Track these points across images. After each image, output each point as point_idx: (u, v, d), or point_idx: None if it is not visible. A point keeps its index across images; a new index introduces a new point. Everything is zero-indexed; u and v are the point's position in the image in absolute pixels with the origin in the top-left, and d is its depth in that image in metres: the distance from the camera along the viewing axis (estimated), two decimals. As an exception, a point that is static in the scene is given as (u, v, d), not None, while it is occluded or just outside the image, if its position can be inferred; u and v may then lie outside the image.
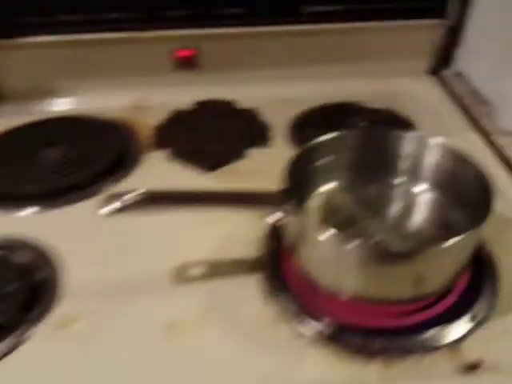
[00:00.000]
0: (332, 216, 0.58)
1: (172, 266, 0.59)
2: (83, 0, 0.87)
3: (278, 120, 0.88)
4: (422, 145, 0.59)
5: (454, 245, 0.46)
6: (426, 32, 0.98)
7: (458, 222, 0.56)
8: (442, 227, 0.57)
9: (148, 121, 0.90)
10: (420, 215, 0.59)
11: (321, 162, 0.60)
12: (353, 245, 0.45)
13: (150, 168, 0.78)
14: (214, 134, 0.84)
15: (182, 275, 0.59)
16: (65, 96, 0.96)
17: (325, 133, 0.82)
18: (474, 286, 0.55)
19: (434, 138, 0.58)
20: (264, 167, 0.77)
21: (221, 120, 0.89)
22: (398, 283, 0.49)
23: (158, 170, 0.78)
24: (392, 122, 0.87)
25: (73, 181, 0.74)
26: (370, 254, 0.46)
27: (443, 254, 0.47)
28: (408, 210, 0.60)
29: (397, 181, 0.62)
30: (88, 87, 0.96)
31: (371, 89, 0.97)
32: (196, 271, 0.59)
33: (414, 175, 0.61)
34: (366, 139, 0.60)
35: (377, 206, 0.60)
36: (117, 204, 0.49)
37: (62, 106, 0.95)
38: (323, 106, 0.92)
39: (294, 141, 0.83)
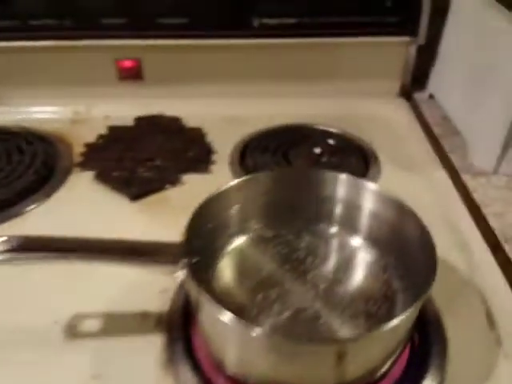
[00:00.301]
0: (245, 278, 0.50)
1: (63, 318, 0.51)
2: (16, 5, 0.79)
3: (224, 142, 0.80)
4: (357, 190, 0.50)
5: (389, 329, 0.37)
6: (396, 50, 0.89)
7: (398, 290, 0.48)
8: (379, 296, 0.48)
9: (84, 136, 0.81)
10: (354, 278, 0.50)
11: (232, 212, 0.51)
12: (258, 332, 0.37)
13: (74, 191, 0.70)
14: (149, 155, 0.76)
15: (72, 330, 0.50)
16: (3, 104, 0.88)
17: (272, 161, 0.76)
18: (416, 360, 0.47)
19: (371, 184, 0.50)
20: (199, 198, 0.69)
21: (161, 139, 0.80)
22: (316, 372, 0.40)
23: (81, 194, 0.69)
24: (347, 150, 0.79)
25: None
26: (279, 343, 0.38)
27: (376, 340, 0.39)
28: (339, 269, 0.51)
29: (327, 231, 0.54)
30: (25, 97, 0.87)
31: (333, 110, 0.88)
32: (89, 325, 0.50)
33: (348, 226, 0.52)
34: (289, 182, 0.52)
35: (301, 264, 0.51)
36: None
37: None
38: (274, 128, 0.83)
39: (237, 168, 0.75)
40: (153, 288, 0.54)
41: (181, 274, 0.43)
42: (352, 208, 0.51)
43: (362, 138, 0.82)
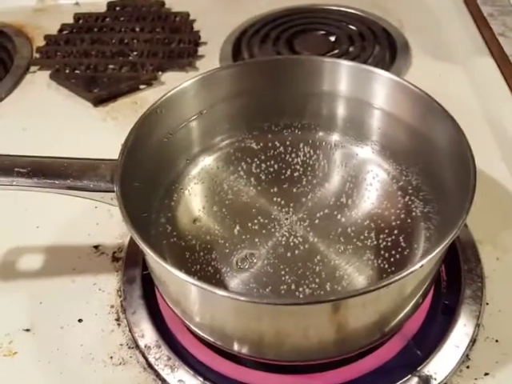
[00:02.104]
0: (218, 207, 0.37)
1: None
2: None
3: (215, 30, 0.65)
4: (366, 83, 0.35)
5: (405, 277, 0.26)
6: None
7: (421, 217, 0.35)
8: (395, 225, 0.35)
9: (47, 27, 0.67)
10: (362, 202, 0.37)
11: (193, 122, 0.38)
12: (217, 293, 0.26)
13: (28, 94, 0.58)
14: (119, 49, 0.61)
15: (8, 267, 0.40)
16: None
17: (272, 52, 0.61)
18: (443, 305, 0.36)
19: (384, 72, 0.35)
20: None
21: (138, 28, 0.65)
22: (302, 333, 0.29)
23: (36, 98, 0.57)
24: (370, 36, 0.62)
25: None
26: (248, 308, 0.27)
27: (385, 294, 0.27)
28: (343, 190, 0.38)
29: (327, 140, 0.40)
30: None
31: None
32: (29, 262, 0.40)
33: (355, 132, 0.38)
34: (272, 76, 0.37)
35: (293, 185, 0.38)
36: None
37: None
38: (278, 11, 0.67)
39: (230, 62, 0.60)
40: (112, 215, 0.43)
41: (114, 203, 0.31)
42: (362, 108, 0.37)
43: (390, 21, 0.65)
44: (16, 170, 0.31)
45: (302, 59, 0.38)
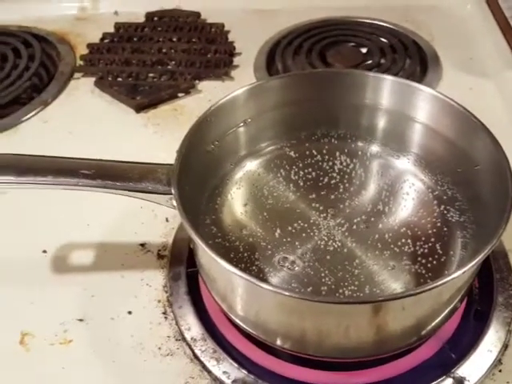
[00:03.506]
0: (260, 210, 0.40)
1: (52, 247, 0.44)
2: None
3: (250, 41, 0.67)
4: (408, 97, 0.38)
5: (442, 285, 0.28)
6: None
7: (456, 226, 0.37)
8: (431, 233, 0.37)
9: (89, 36, 0.71)
10: (399, 210, 0.39)
11: (241, 128, 0.40)
12: (263, 286, 0.28)
13: (72, 100, 0.61)
14: (161, 58, 0.64)
15: (61, 261, 0.43)
16: (3, 1, 0.77)
17: (305, 64, 0.63)
18: (476, 311, 0.38)
19: (427, 88, 0.37)
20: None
21: (175, 38, 0.68)
22: (344, 331, 0.31)
23: (80, 104, 0.60)
24: (401, 49, 0.64)
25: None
26: (293, 303, 0.29)
27: (422, 299, 0.29)
28: (381, 198, 0.40)
29: (366, 150, 0.42)
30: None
31: (386, 0, 0.72)
32: (81, 257, 0.43)
33: (394, 144, 0.40)
34: (316, 87, 0.40)
35: (332, 192, 0.40)
36: None
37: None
38: (310, 23, 0.69)
39: (263, 73, 0.62)
40: (156, 216, 0.46)
41: (172, 205, 0.34)
42: (400, 120, 0.39)
43: (420, 34, 0.67)
44: (81, 171, 0.33)
45: (346, 72, 0.40)
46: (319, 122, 0.43)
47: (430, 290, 0.28)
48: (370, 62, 0.62)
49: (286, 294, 0.29)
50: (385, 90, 0.38)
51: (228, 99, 0.39)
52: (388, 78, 0.38)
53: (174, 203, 0.33)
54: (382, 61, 0.63)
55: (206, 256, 0.32)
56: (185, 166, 0.35)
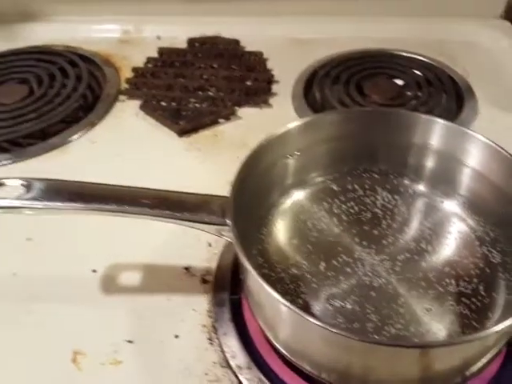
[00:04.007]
0: (304, 241, 0.41)
1: (102, 267, 0.45)
2: None
3: (288, 70, 0.69)
4: (460, 142, 0.39)
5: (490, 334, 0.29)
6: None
7: (500, 267, 0.38)
8: (474, 273, 0.38)
9: (133, 58, 0.74)
10: (442, 249, 0.40)
11: (290, 160, 0.42)
12: (313, 322, 0.29)
13: (118, 122, 0.63)
14: (202, 84, 0.67)
15: (110, 281, 0.45)
16: (50, 21, 0.81)
17: (343, 94, 0.64)
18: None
19: (480, 136, 0.38)
20: (255, 134, 0.59)
21: (216, 65, 0.70)
22: (389, 370, 0.32)
23: (126, 126, 0.62)
24: (436, 82, 0.65)
25: (28, 130, 0.60)
26: (342, 340, 0.30)
27: (469, 345, 0.30)
28: (424, 236, 0.41)
29: (412, 189, 0.43)
30: (72, 13, 0.80)
31: (420, 33, 0.74)
32: (128, 278, 0.45)
33: (441, 185, 0.42)
34: (364, 124, 0.41)
35: (375, 227, 0.42)
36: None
37: (45, 32, 0.79)
38: (348, 54, 0.71)
39: (301, 101, 0.64)
40: (200, 240, 0.47)
41: (226, 236, 0.35)
42: (447, 162, 0.41)
43: (456, 69, 0.68)
44: (142, 201, 0.35)
45: (397, 112, 0.42)
46: (363, 157, 0.45)
47: (479, 338, 0.29)
48: (407, 94, 0.64)
49: (334, 331, 0.30)
50: (434, 132, 0.40)
51: (279, 134, 0.41)
52: (439, 122, 0.39)
53: (228, 234, 0.35)
54: (419, 93, 0.64)
55: (258, 287, 0.33)
56: (238, 197, 0.37)
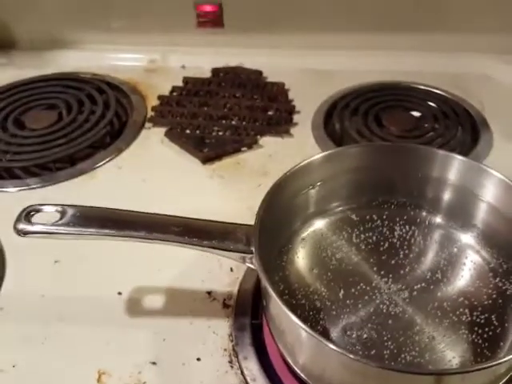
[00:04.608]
0: (324, 269, 0.43)
1: (127, 290, 0.47)
2: None
3: (308, 100, 0.72)
4: (476, 177, 0.40)
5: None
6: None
7: (511, 301, 0.39)
8: (487, 304, 0.39)
9: (158, 86, 0.77)
10: (456, 280, 0.41)
11: (312, 190, 0.44)
12: (333, 348, 0.31)
13: (144, 149, 0.66)
14: (225, 113, 0.70)
15: (135, 304, 0.46)
16: (79, 49, 0.85)
17: (362, 125, 0.66)
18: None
19: (496, 172, 0.39)
20: (276, 163, 0.62)
21: (239, 94, 0.73)
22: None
23: (151, 153, 0.65)
24: (452, 115, 0.67)
25: (57, 155, 0.63)
26: (361, 367, 0.31)
27: (484, 373, 0.31)
28: (439, 267, 0.42)
29: (429, 220, 0.45)
30: (100, 42, 0.84)
31: (437, 67, 0.76)
32: (152, 301, 0.47)
33: (457, 218, 0.43)
34: (384, 158, 0.43)
35: (392, 257, 0.43)
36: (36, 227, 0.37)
37: (74, 60, 0.83)
38: (367, 86, 0.73)
39: (321, 132, 0.66)
40: (222, 265, 0.49)
41: (250, 263, 0.37)
42: (463, 196, 0.42)
43: (471, 103, 0.70)
44: (171, 228, 0.37)
45: (416, 148, 0.44)
46: (381, 188, 0.46)
47: (490, 366, 0.30)
48: (424, 126, 0.66)
49: (353, 357, 0.31)
50: (451, 167, 0.42)
51: (302, 165, 0.43)
52: (456, 157, 0.41)
53: (253, 262, 0.37)
54: (436, 126, 0.66)
55: (280, 312, 0.35)
56: (261, 226, 0.38)
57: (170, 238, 0.37)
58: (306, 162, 0.42)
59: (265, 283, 0.34)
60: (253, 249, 0.36)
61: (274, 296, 0.33)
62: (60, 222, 0.37)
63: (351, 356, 0.31)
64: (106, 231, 0.37)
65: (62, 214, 0.38)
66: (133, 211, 0.40)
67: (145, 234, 0.38)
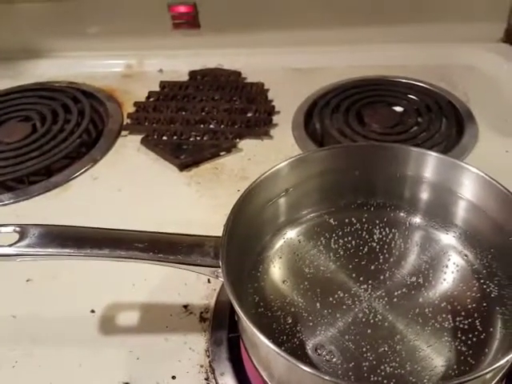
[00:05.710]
0: (300, 279, 0.41)
1: (100, 307, 0.46)
2: None
3: (288, 100, 0.70)
4: (454, 174, 0.39)
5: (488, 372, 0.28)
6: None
7: (497, 300, 0.37)
8: (471, 308, 0.38)
9: (135, 93, 0.75)
10: (439, 284, 0.39)
11: (281, 199, 0.42)
12: (304, 369, 0.29)
13: (120, 158, 0.64)
14: (201, 117, 0.68)
15: (108, 322, 0.45)
16: (53, 57, 0.83)
17: (343, 123, 0.64)
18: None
19: (475, 168, 0.38)
20: (256, 166, 0.60)
21: (216, 97, 0.71)
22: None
23: (127, 162, 0.63)
24: (436, 109, 0.65)
25: (31, 169, 0.62)
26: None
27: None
28: (421, 271, 0.40)
29: (408, 221, 0.43)
30: (75, 49, 0.82)
31: (419, 59, 0.74)
32: (126, 317, 0.45)
33: (437, 217, 0.41)
34: (357, 159, 0.41)
35: (372, 262, 0.41)
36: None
37: (48, 68, 0.82)
38: (347, 82, 0.71)
39: (301, 132, 0.65)
40: (199, 277, 0.47)
41: (220, 277, 0.35)
42: (443, 194, 0.40)
43: (456, 95, 0.68)
44: (135, 244, 0.36)
45: (390, 147, 0.42)
46: (359, 190, 0.45)
47: (475, 378, 0.28)
48: (407, 121, 0.64)
49: (327, 378, 0.30)
50: (428, 165, 0.40)
51: (273, 171, 0.41)
52: (431, 154, 0.39)
53: (221, 276, 0.35)
54: (419, 120, 0.64)
55: (250, 330, 0.33)
56: (230, 239, 0.37)
57: (134, 256, 0.36)
58: (273, 169, 0.40)
59: (232, 301, 0.32)
60: (221, 264, 0.34)
61: (242, 315, 0.31)
62: (19, 244, 0.36)
63: (325, 377, 0.29)
64: (68, 251, 0.35)
65: (21, 234, 0.36)
66: (96, 228, 0.38)
67: (108, 251, 0.36)
